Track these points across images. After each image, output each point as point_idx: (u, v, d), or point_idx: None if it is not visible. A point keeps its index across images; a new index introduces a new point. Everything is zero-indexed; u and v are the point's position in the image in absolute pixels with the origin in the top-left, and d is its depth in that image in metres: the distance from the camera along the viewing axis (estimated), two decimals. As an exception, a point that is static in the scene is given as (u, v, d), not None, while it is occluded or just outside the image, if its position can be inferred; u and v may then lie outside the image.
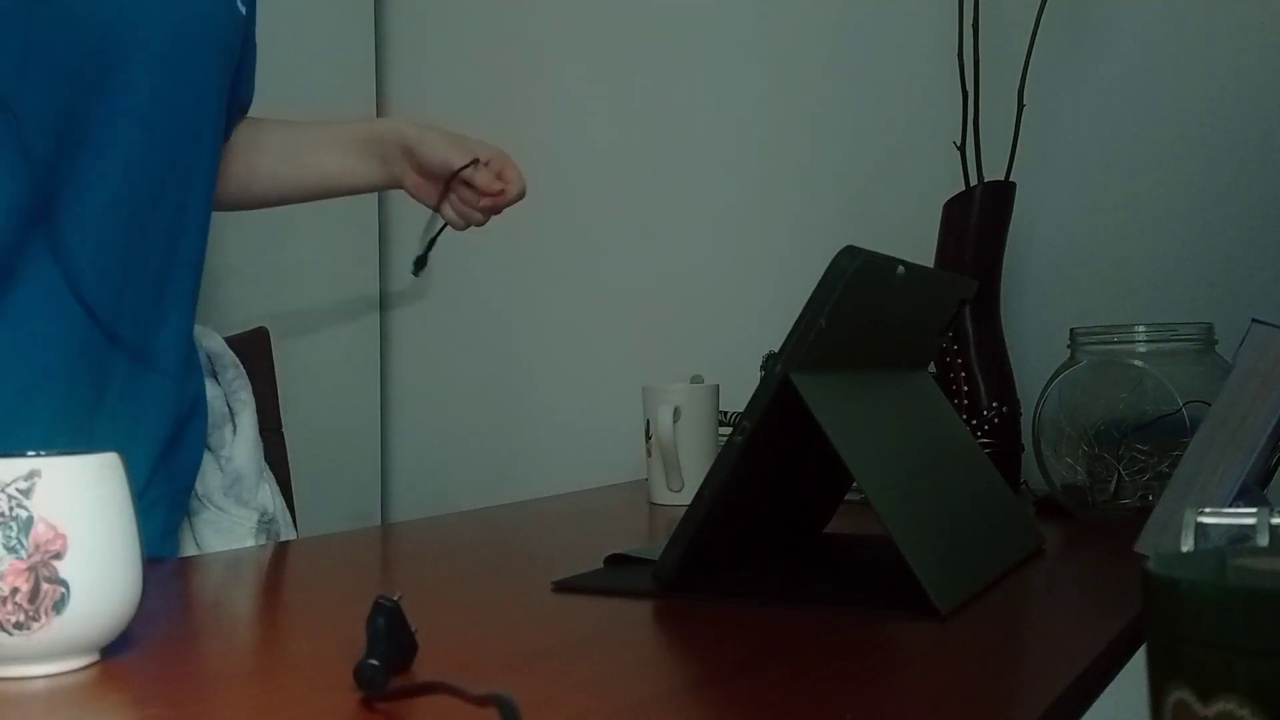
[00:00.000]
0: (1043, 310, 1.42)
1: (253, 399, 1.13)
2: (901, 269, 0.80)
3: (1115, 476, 1.06)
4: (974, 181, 1.27)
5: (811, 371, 0.75)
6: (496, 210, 1.17)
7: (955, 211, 1.26)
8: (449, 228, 1.19)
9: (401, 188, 1.20)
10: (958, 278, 0.99)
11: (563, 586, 0.80)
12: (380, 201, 1.83)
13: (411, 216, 1.84)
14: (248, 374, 1.15)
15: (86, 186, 0.91)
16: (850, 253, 0.74)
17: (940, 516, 0.81)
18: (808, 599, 0.76)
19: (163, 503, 1.01)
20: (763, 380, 0.75)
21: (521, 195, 1.16)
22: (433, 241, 1.20)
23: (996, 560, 0.85)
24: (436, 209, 1.17)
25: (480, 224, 1.18)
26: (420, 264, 1.20)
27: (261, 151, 1.18)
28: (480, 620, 0.71)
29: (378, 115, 1.82)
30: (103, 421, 0.94)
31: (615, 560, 0.88)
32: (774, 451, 0.80)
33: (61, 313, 0.91)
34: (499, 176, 1.14)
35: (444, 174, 1.14)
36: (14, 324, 0.89)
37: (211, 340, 1.14)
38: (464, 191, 1.15)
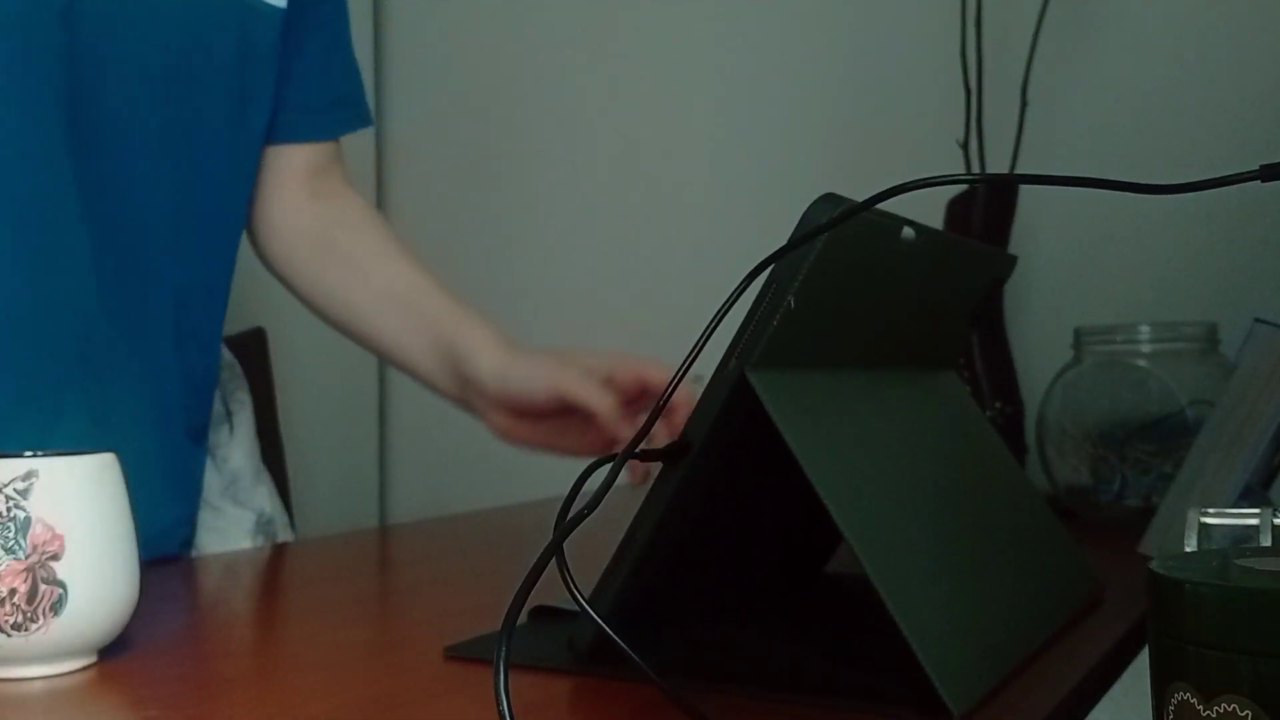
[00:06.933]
0: (1046, 310, 1.42)
1: (250, 399, 1.12)
2: (909, 230, 0.61)
3: (1119, 477, 1.05)
4: (976, 181, 1.27)
5: (778, 368, 0.56)
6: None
7: (958, 210, 1.25)
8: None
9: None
10: (991, 249, 0.79)
11: (455, 654, 0.61)
12: (378, 200, 1.83)
13: (409, 216, 1.85)
14: (245, 374, 1.15)
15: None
16: (829, 201, 0.52)
17: (958, 571, 0.59)
18: (771, 684, 0.55)
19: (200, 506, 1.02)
20: (711, 381, 0.55)
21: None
22: None
23: (1034, 627, 0.64)
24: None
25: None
26: None
27: (345, 264, 1.06)
28: (480, 622, 0.70)
29: (376, 114, 1.81)
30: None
31: (541, 613, 0.68)
32: (740, 473, 0.64)
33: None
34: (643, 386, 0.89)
35: (550, 409, 0.92)
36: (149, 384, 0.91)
37: None
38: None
